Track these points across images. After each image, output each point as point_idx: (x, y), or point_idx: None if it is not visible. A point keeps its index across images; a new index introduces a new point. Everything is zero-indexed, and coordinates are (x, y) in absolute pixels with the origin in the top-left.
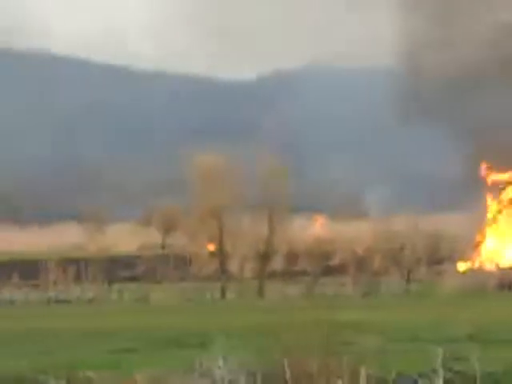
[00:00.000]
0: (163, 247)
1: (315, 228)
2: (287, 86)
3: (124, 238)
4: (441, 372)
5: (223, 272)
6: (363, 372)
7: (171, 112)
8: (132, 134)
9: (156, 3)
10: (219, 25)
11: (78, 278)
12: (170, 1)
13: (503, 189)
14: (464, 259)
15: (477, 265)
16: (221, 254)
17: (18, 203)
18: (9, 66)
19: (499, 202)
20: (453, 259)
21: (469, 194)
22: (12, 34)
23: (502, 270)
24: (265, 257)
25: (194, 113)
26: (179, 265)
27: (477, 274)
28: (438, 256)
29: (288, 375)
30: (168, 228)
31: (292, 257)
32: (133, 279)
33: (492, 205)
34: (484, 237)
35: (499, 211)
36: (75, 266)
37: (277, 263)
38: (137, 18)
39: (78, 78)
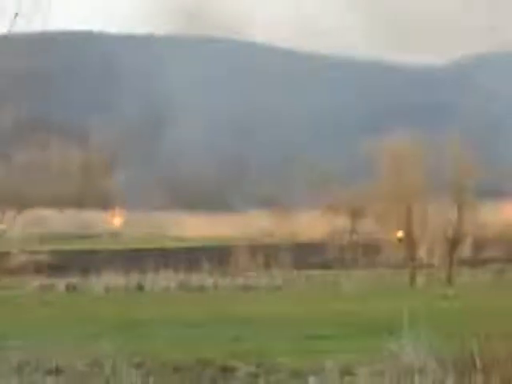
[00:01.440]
0: (352, 233)
1: (504, 213)
2: (476, 70)
3: (313, 224)
4: None
5: (412, 259)
6: None
7: (360, 98)
8: (322, 120)
9: None
10: (399, 11)
11: (267, 265)
12: None
13: None
14: None
15: None
16: (409, 241)
17: (215, 190)
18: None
19: None
20: None
21: None
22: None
23: None
24: (453, 243)
25: (381, 98)
26: (368, 251)
27: None
28: None
29: (478, 361)
30: (356, 214)
31: (481, 243)
32: (322, 266)
33: None
34: None
35: None
36: (264, 252)
37: (465, 249)
38: (322, 6)
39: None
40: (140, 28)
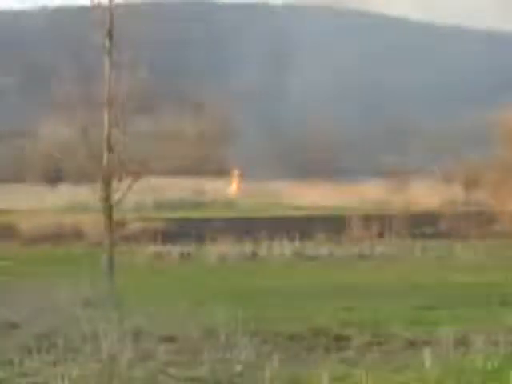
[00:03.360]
0: (466, 203)
1: None
2: None
3: (427, 193)
4: None
5: None
6: None
7: (477, 67)
8: (442, 86)
9: None
10: None
11: (381, 234)
12: None
13: None
14: None
15: None
16: None
17: (331, 158)
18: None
19: None
20: None
21: None
22: None
23: None
24: None
25: (499, 68)
26: (482, 222)
27: None
28: None
29: None
30: (470, 184)
31: None
32: (435, 236)
33: None
34: None
35: None
36: (379, 221)
37: None
38: None
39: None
40: None
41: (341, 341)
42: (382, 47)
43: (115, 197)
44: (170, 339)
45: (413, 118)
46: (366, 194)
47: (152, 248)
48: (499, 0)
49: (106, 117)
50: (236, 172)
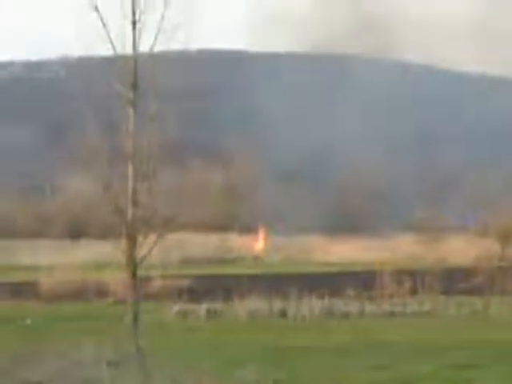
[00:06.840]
0: (501, 259)
1: None
2: None
3: (461, 247)
4: None
5: None
6: None
7: None
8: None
9: None
10: None
11: (414, 290)
12: None
13: None
14: None
15: None
16: None
17: (361, 213)
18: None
19: None
20: None
21: None
22: None
23: None
24: None
25: None
26: None
27: None
28: None
29: None
30: (506, 239)
31: None
32: (470, 292)
33: None
34: None
35: None
36: (411, 277)
37: None
38: None
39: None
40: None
41: None
42: (425, 96)
43: (140, 253)
44: None
45: (452, 166)
46: (397, 248)
47: (178, 305)
48: None
49: (130, 171)
50: (263, 227)
